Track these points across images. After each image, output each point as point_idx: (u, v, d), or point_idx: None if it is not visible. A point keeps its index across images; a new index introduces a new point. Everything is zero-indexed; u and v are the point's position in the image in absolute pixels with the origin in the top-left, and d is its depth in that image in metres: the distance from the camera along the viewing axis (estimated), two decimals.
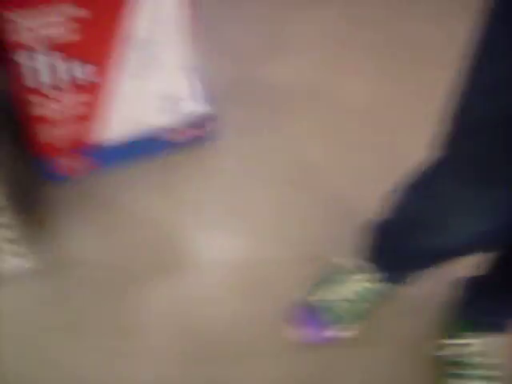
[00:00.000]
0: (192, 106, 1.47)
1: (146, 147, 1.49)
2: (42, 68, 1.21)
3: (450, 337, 1.18)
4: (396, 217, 1.02)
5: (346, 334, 1.18)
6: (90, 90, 1.32)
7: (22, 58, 1.19)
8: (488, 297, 1.06)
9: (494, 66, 0.67)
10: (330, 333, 1.18)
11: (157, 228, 1.41)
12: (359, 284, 1.16)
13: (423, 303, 1.29)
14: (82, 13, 1.17)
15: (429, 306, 1.28)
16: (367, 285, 1.16)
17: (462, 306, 1.14)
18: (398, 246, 1.04)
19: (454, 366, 1.16)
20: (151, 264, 1.35)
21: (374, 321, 1.24)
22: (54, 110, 1.32)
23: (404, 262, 1.07)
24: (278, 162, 1.55)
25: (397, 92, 1.71)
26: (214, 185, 1.50)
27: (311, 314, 1.19)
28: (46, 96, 1.28)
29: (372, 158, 1.56)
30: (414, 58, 1.84)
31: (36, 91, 1.26)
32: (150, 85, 1.37)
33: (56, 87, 1.27)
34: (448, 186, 0.82)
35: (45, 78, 1.24)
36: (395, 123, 1.63)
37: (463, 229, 0.86)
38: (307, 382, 1.18)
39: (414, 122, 1.58)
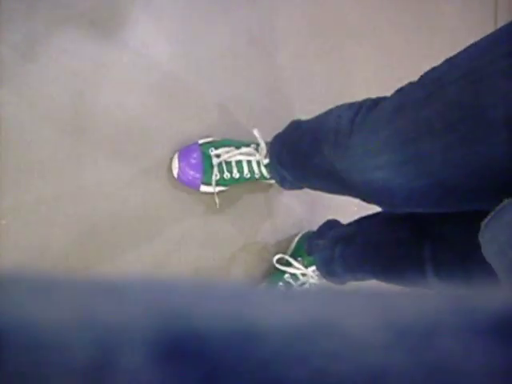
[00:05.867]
0: None
1: None
2: None
3: (294, 258, 1.24)
4: (315, 122, 1.00)
5: (214, 192, 1.21)
6: None
7: None
8: (343, 251, 1.09)
9: None
10: (204, 187, 1.21)
11: None
12: (255, 160, 1.18)
13: (290, 218, 1.36)
14: None
15: (293, 223, 1.36)
16: (259, 165, 1.19)
17: (319, 244, 1.19)
18: (300, 148, 1.03)
19: (284, 284, 1.23)
20: None
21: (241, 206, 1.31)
22: None
23: (301, 169, 1.06)
24: None
25: None
26: None
27: (203, 161, 1.19)
28: None
29: None
30: None
31: None
32: None
33: None
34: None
35: None
36: None
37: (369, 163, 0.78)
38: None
39: None
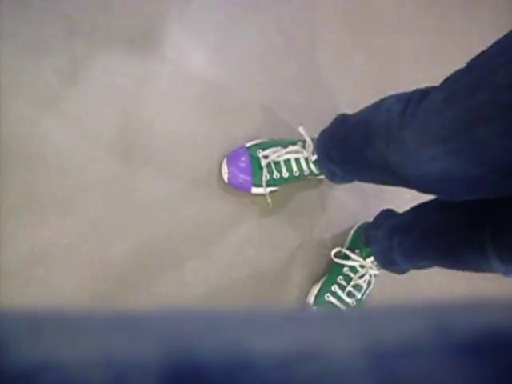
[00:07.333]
0: None
1: None
2: None
3: (352, 251, 1.24)
4: (363, 115, 1.00)
5: (266, 193, 1.22)
6: None
7: None
8: (401, 241, 1.08)
9: None
10: (255, 189, 1.23)
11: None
12: (303, 157, 1.19)
13: (344, 211, 1.35)
14: None
15: (347, 216, 1.35)
16: (308, 162, 1.19)
17: (376, 235, 1.18)
18: (350, 142, 1.03)
19: (343, 277, 1.22)
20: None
21: (292, 203, 1.32)
22: None
23: (352, 163, 1.06)
24: None
25: None
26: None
27: (251, 163, 1.21)
28: None
29: None
30: None
31: None
32: None
33: None
34: None
35: None
36: None
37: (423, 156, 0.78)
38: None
39: None
